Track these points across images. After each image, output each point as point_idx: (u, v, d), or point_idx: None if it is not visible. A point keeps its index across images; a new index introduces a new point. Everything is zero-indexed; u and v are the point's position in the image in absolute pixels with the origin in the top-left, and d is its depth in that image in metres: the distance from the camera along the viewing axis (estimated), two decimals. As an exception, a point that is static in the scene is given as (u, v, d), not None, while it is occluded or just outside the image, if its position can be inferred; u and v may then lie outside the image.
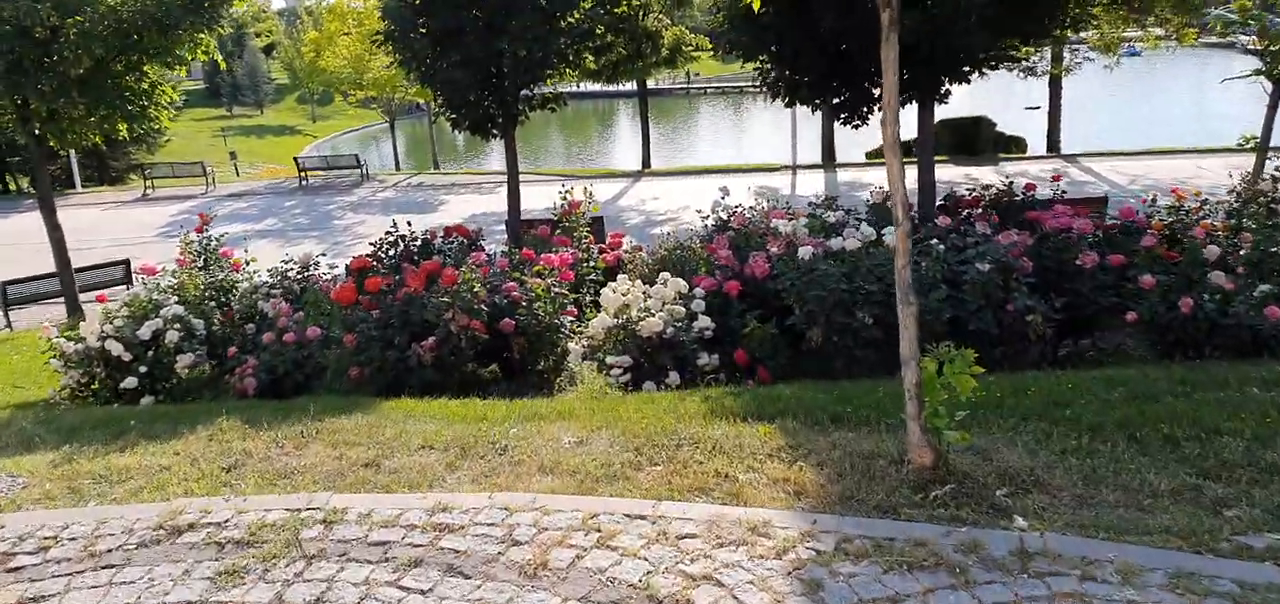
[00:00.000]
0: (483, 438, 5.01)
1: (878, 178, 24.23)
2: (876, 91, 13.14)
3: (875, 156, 28.94)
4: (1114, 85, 35.86)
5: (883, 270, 7.51)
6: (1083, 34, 23.86)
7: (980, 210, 11.07)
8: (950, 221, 9.12)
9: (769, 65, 13.42)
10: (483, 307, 8.22)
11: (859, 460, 4.28)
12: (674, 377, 7.67)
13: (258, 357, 8.90)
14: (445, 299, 8.15)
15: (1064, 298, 7.77)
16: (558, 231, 11.80)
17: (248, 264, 12.53)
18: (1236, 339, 7.01)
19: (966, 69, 12.47)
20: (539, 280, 8.93)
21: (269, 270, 12.02)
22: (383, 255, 11.08)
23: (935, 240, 7.76)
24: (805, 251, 7.59)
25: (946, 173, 23.90)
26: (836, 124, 13.97)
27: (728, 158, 34.73)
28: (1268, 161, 13.46)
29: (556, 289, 8.91)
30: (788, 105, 14.18)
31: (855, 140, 26.30)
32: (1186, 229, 10.89)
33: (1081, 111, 30.56)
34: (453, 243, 11.64)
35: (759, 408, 5.65)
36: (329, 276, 11.80)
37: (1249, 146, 13.48)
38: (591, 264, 10.91)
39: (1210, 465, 4.16)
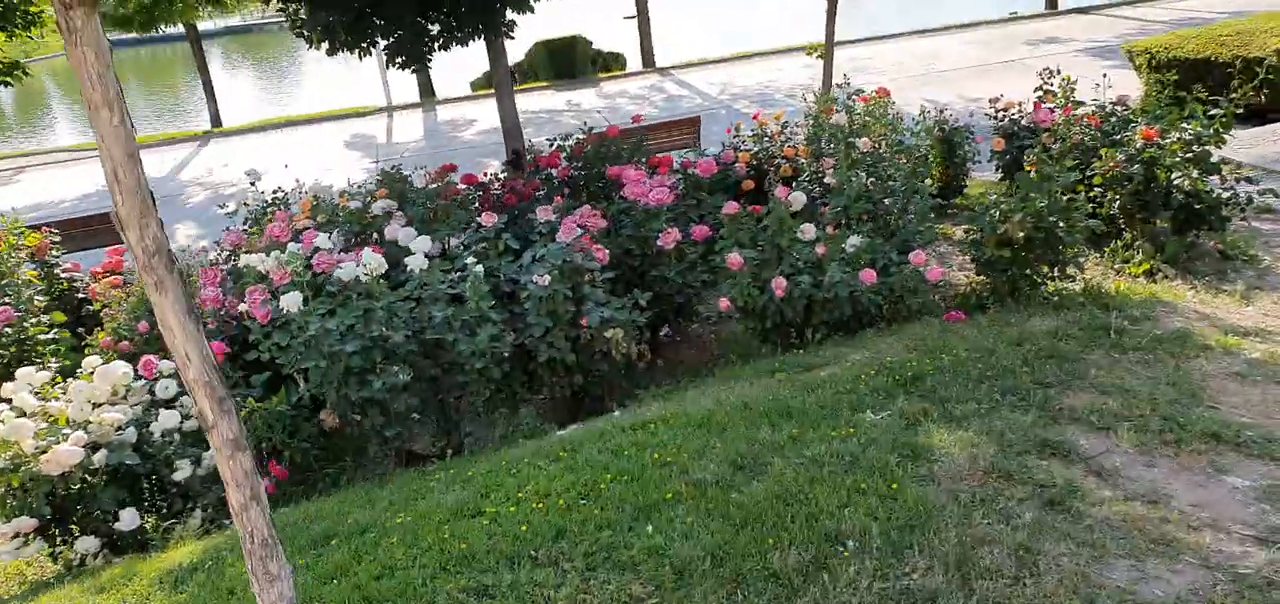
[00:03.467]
0: None
1: (481, 114, 22.06)
2: (434, 28, 10.93)
3: (482, 87, 26.53)
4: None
5: (416, 311, 5.38)
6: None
7: (564, 165, 9.41)
8: (515, 197, 7.20)
9: (294, 3, 10.61)
10: None
11: None
12: (129, 516, 5.03)
13: None
14: None
15: (650, 291, 6.26)
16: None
17: None
18: (836, 314, 5.96)
19: None
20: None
21: None
22: None
23: (472, 259, 5.69)
24: (291, 299, 5.20)
25: (547, 100, 22.48)
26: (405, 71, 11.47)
27: (327, 103, 29.47)
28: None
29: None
30: (329, 53, 11.43)
31: (464, 66, 23.59)
32: (771, 159, 10.16)
33: (666, 17, 30.39)
34: None
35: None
36: None
37: (817, 53, 13.17)
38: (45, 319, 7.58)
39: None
